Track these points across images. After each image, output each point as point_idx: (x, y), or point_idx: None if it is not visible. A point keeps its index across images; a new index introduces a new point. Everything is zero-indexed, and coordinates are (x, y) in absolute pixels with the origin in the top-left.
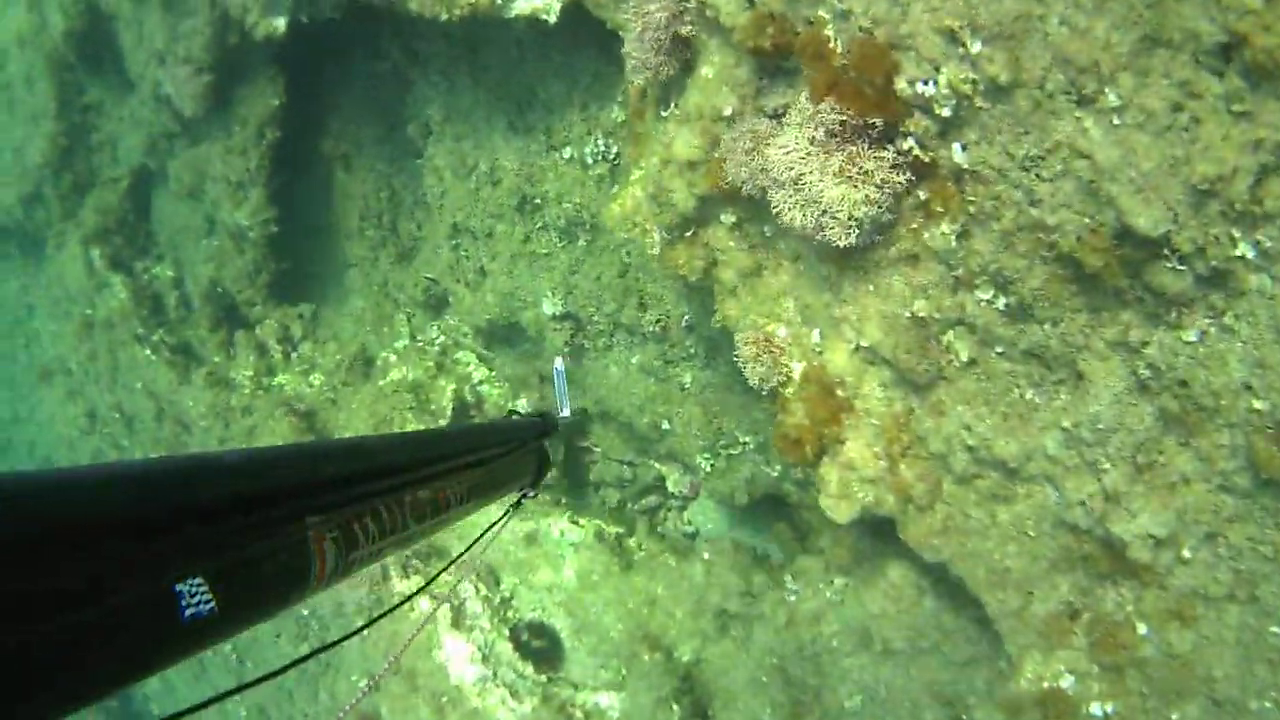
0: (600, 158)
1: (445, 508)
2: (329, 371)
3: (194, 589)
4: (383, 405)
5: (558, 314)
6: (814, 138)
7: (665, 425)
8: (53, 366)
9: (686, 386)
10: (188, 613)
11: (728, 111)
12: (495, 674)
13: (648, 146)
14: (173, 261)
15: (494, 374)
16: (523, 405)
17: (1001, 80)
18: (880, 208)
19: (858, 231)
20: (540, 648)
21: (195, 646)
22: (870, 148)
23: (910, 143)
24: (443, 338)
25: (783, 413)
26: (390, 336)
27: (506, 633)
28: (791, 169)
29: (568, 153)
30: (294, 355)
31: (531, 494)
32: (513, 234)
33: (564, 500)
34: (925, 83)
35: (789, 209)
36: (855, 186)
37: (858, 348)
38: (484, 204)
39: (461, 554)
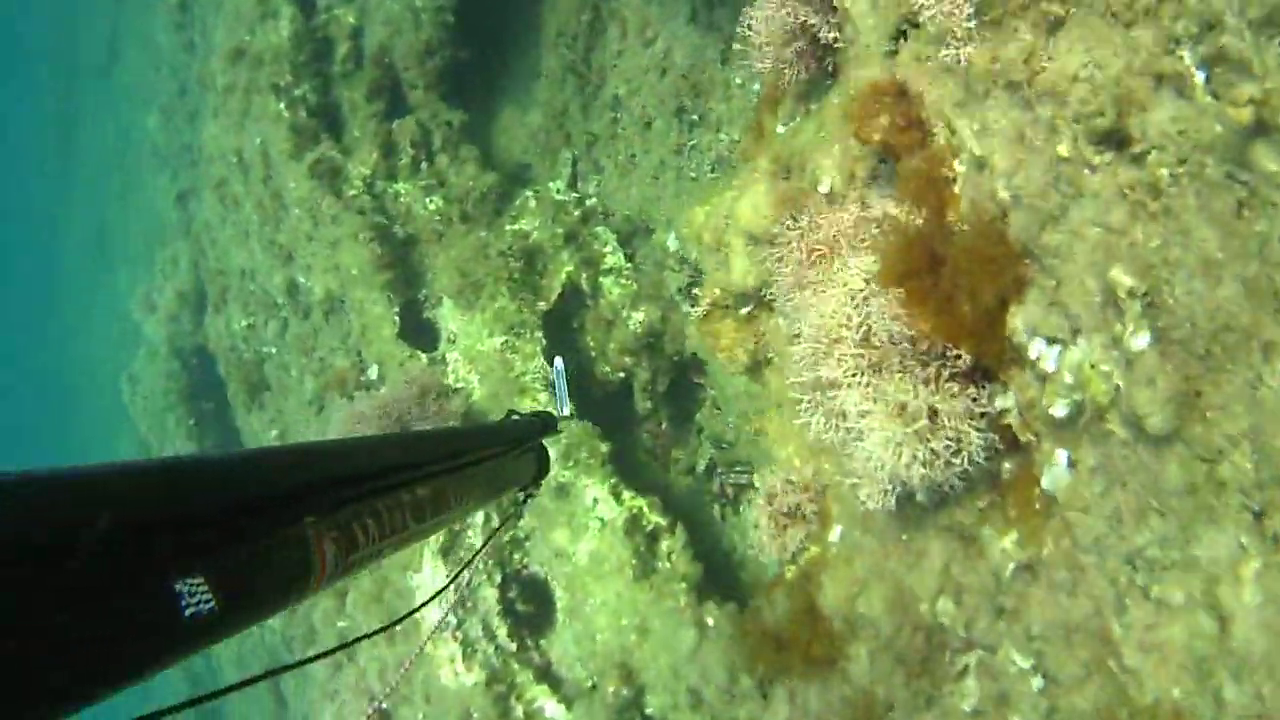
0: None
1: (445, 507)
2: (453, 198)
3: (194, 589)
4: (480, 267)
5: (681, 255)
6: (868, 336)
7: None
8: (206, 81)
9: None
10: (188, 612)
11: (824, 187)
12: (461, 625)
13: (762, 151)
14: (359, 8)
15: (627, 268)
16: (639, 318)
17: (1156, 427)
18: (940, 471)
19: (895, 497)
20: (526, 613)
21: (196, 646)
22: (949, 380)
23: (1010, 402)
24: (595, 201)
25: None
26: (547, 173)
27: (498, 580)
28: (820, 365)
29: (740, 79)
30: (424, 166)
31: (534, 494)
32: (667, 138)
33: (609, 463)
34: (1048, 344)
35: (811, 411)
36: (913, 434)
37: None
38: (649, 89)
39: (467, 563)
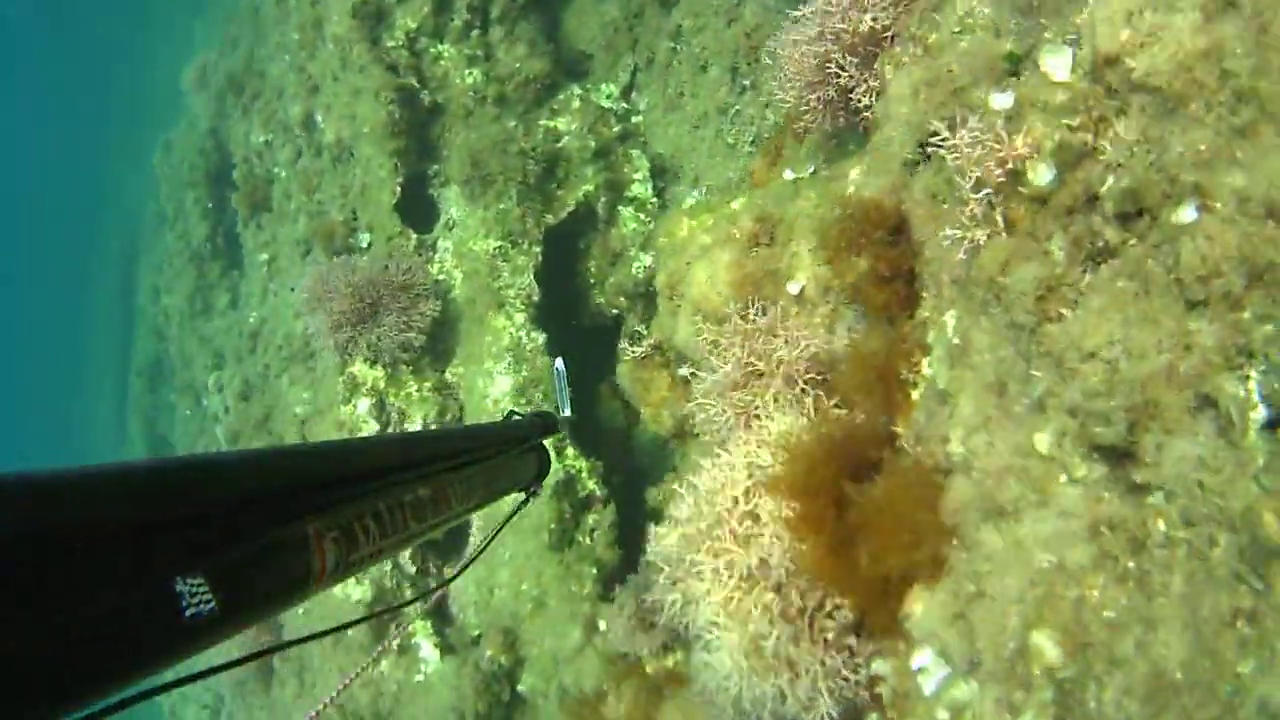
0: None
1: (446, 507)
2: (495, 76)
3: (195, 589)
4: (495, 161)
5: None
6: (749, 536)
7: None
8: None
9: None
10: (189, 612)
11: (795, 287)
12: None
13: (764, 184)
14: None
15: (652, 202)
16: (646, 262)
17: None
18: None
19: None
20: (435, 540)
21: (197, 646)
22: (824, 622)
23: (888, 670)
24: (641, 120)
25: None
26: (605, 72)
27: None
28: (692, 543)
29: None
30: (474, 34)
31: (535, 492)
32: (717, 92)
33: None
34: (937, 658)
35: (668, 588)
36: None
37: None
38: (712, 33)
39: (468, 563)
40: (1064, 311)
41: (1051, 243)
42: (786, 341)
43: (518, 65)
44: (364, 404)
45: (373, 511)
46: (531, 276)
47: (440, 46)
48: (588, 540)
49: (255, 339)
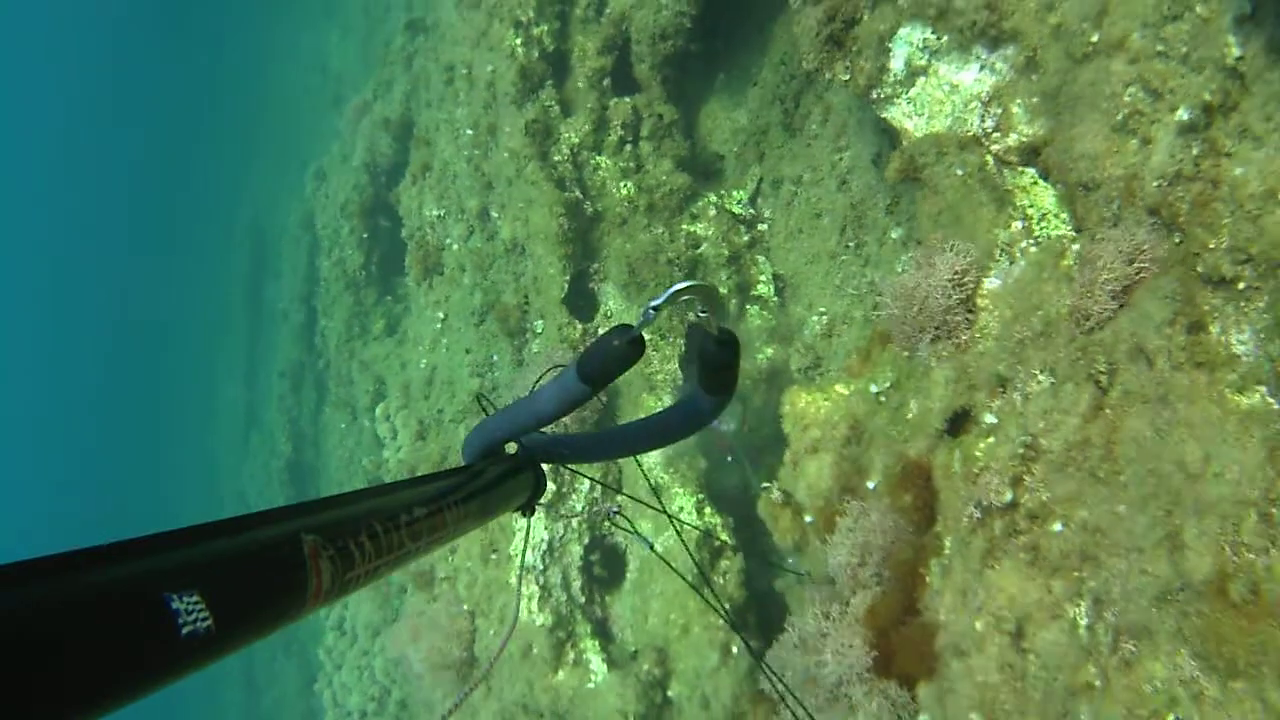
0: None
1: (442, 526)
2: (645, 187)
3: (191, 606)
4: (648, 270)
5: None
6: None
7: None
8: None
9: None
10: (184, 630)
11: (871, 483)
12: (544, 571)
13: (861, 379)
14: None
15: (774, 301)
16: (768, 353)
17: None
18: None
19: None
20: (600, 575)
21: (193, 665)
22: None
23: None
24: (766, 228)
25: None
26: (734, 178)
27: (585, 541)
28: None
29: (896, 234)
30: (627, 148)
31: (531, 512)
32: (829, 239)
33: (701, 478)
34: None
35: None
36: None
37: None
38: (825, 190)
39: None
40: (995, 565)
41: (993, 528)
42: (865, 544)
43: (664, 179)
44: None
45: (369, 530)
46: (677, 364)
47: (599, 158)
48: (721, 580)
49: (429, 385)
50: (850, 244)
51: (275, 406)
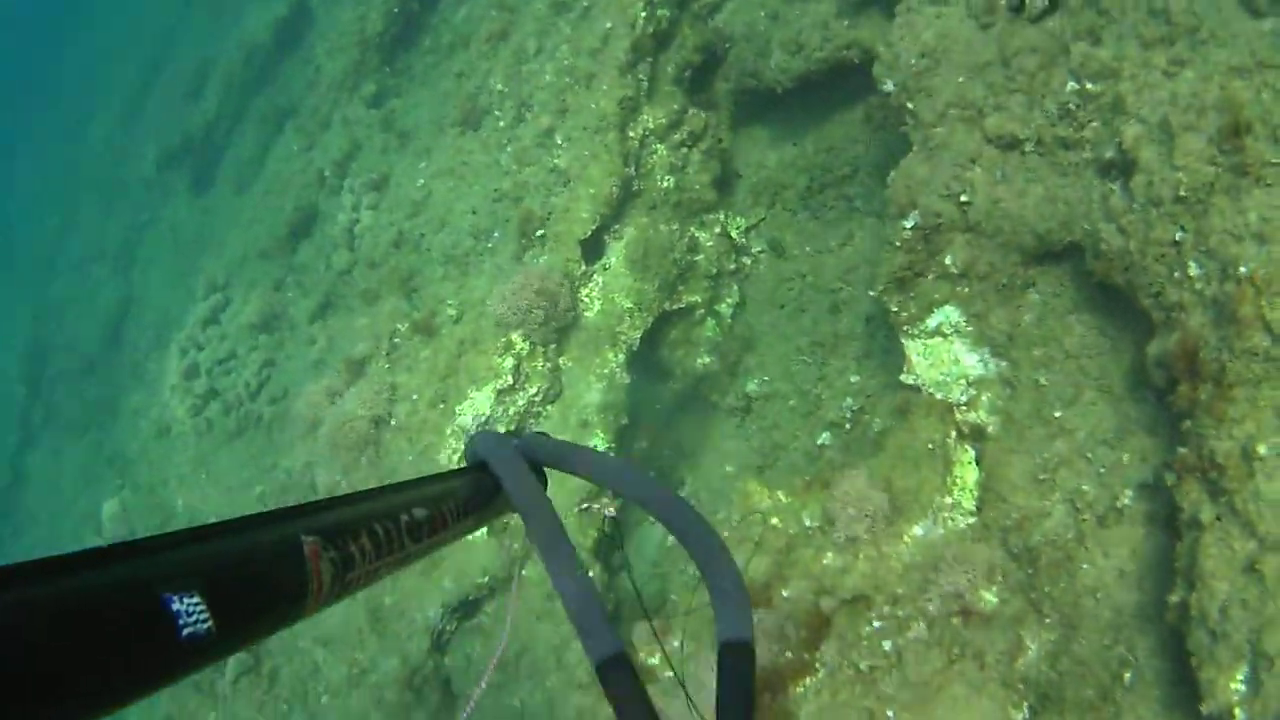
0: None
1: (442, 527)
2: (680, 186)
3: (191, 608)
4: (654, 259)
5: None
6: None
7: None
8: None
9: None
10: (185, 632)
11: (786, 593)
12: None
13: (806, 505)
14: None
15: (729, 322)
16: (706, 361)
17: None
18: None
19: None
20: None
21: (193, 667)
22: None
23: None
24: (750, 261)
25: None
26: (743, 207)
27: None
28: None
29: (853, 383)
30: (682, 150)
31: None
32: (799, 339)
33: None
34: None
35: None
36: None
37: None
38: (808, 305)
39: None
40: (854, 699)
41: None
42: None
43: (698, 189)
44: (509, 362)
45: (369, 531)
46: (639, 335)
47: (659, 147)
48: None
49: (418, 205)
50: (814, 360)
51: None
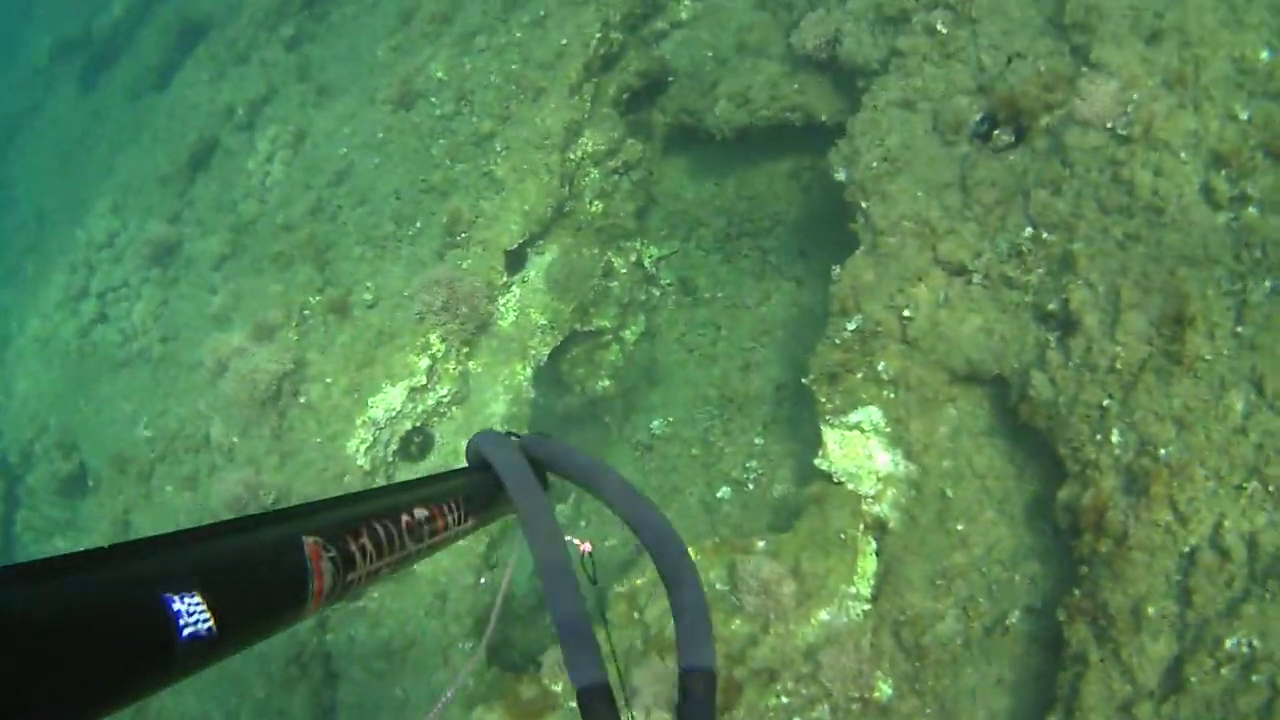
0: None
1: (444, 527)
2: (606, 212)
3: (192, 608)
4: (575, 282)
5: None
6: None
7: None
8: None
9: None
10: (186, 632)
11: None
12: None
13: (713, 564)
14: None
15: (631, 350)
16: (605, 384)
17: None
18: None
19: None
20: None
21: (193, 667)
22: None
23: None
24: (660, 293)
25: None
26: (657, 237)
27: None
28: None
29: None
30: (614, 178)
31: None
32: (705, 389)
33: None
34: None
35: None
36: None
37: None
38: (719, 371)
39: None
40: None
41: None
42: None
43: (623, 216)
44: (425, 362)
45: (370, 531)
46: (548, 352)
47: (594, 171)
48: None
49: (341, 176)
50: (721, 414)
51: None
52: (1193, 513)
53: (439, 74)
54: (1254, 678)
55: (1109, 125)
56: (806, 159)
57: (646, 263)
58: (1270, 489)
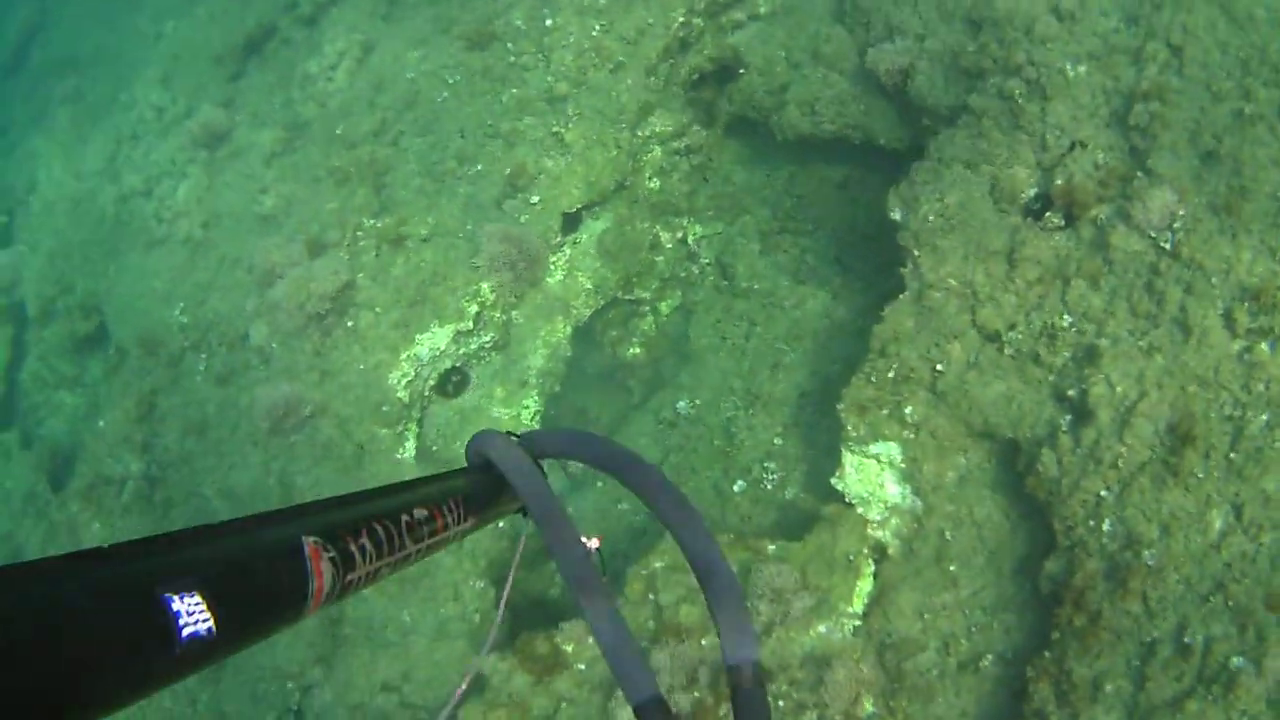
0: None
1: (443, 527)
2: (663, 189)
3: (192, 608)
4: (627, 254)
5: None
6: None
7: None
8: None
9: None
10: (185, 632)
11: None
12: None
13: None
14: None
15: (665, 319)
16: (635, 352)
17: None
18: None
19: None
20: None
21: (193, 667)
22: None
23: None
24: (698, 269)
25: None
26: (702, 216)
27: None
28: None
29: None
30: (675, 158)
31: (529, 514)
32: (733, 379)
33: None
34: None
35: None
36: None
37: None
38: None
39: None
40: None
41: None
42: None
43: (677, 195)
44: (474, 308)
45: (370, 531)
46: (589, 314)
47: (657, 149)
48: None
49: (407, 101)
50: (745, 408)
51: None
52: (1160, 611)
53: (519, 23)
54: None
55: (1153, 234)
56: (858, 172)
57: (690, 240)
58: (1229, 604)
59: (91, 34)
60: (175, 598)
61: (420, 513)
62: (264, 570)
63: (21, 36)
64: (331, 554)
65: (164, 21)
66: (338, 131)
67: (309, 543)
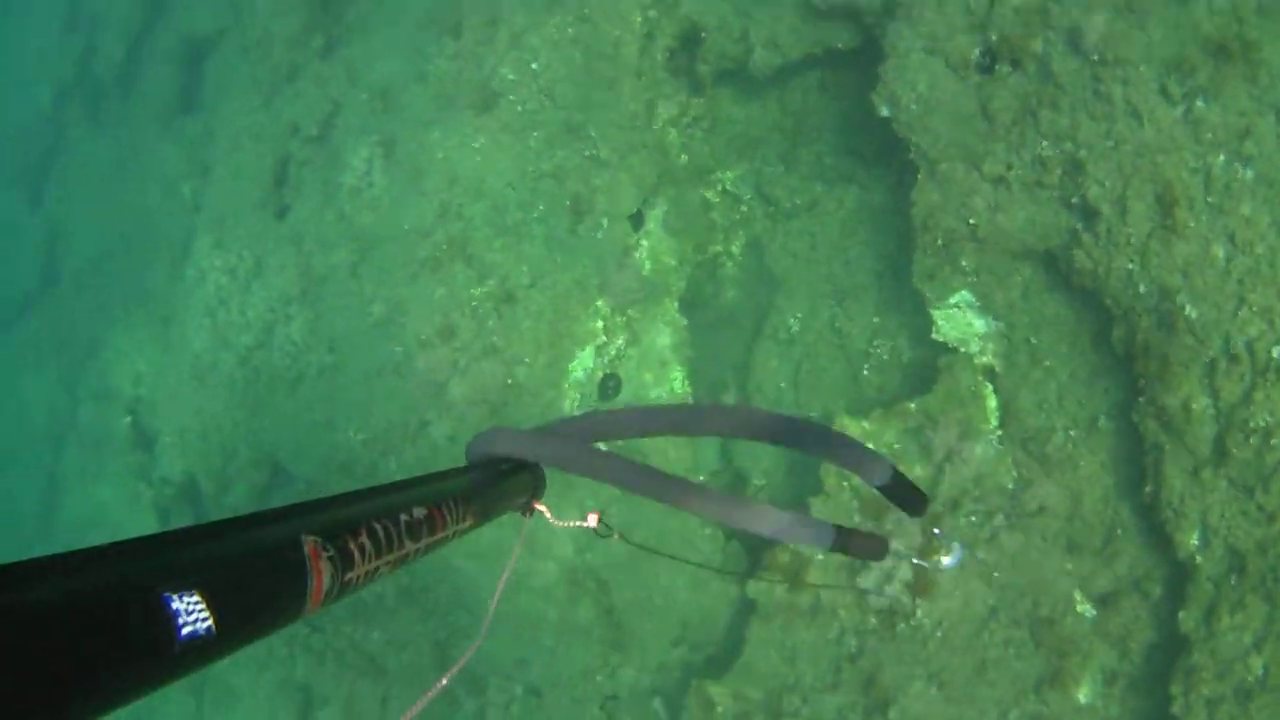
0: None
1: (442, 527)
2: (693, 153)
3: (191, 607)
4: (685, 219)
5: None
6: None
7: None
8: None
9: None
10: (184, 631)
11: None
12: None
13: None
14: None
15: (744, 259)
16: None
17: None
18: None
19: None
20: None
21: (192, 666)
22: None
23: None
24: (759, 219)
25: None
26: (750, 165)
27: None
28: None
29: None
30: (689, 130)
31: (533, 511)
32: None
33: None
34: None
35: None
36: None
37: None
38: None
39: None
40: None
41: None
42: None
43: (704, 158)
44: (599, 323)
45: (369, 530)
46: (684, 284)
47: (672, 130)
48: None
49: (452, 180)
50: (841, 305)
51: None
52: (1206, 336)
53: (509, 75)
54: (1273, 441)
55: (1086, 50)
56: (829, 73)
57: (728, 186)
58: (1254, 309)
59: (111, 225)
60: (174, 596)
61: (419, 512)
62: (263, 569)
63: (41, 256)
64: (331, 553)
65: (179, 189)
66: (405, 227)
67: (308, 542)
